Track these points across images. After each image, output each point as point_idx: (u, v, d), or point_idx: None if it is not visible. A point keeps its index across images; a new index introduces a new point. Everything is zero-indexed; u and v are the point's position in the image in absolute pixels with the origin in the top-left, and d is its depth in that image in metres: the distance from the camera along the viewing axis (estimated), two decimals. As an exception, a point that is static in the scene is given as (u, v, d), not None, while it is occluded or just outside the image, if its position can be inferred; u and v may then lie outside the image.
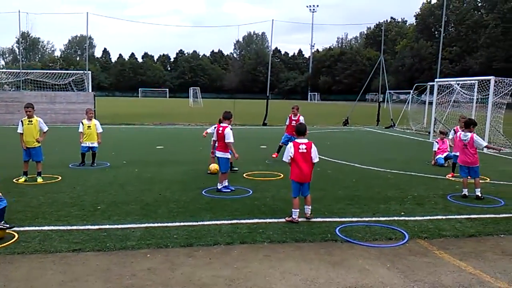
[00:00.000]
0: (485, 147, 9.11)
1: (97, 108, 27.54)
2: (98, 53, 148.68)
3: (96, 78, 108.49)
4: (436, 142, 13.60)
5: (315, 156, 7.01)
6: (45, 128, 10.09)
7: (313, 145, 7.03)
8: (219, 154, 9.22)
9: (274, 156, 13.15)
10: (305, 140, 7.03)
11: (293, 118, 13.13)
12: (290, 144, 7.11)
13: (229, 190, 8.97)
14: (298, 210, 6.95)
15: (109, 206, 7.69)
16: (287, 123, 13.31)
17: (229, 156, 9.18)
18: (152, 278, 4.84)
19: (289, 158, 6.99)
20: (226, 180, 9.14)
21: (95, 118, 12.77)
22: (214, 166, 10.60)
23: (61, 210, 7.42)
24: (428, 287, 4.72)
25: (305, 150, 6.94)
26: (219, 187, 8.98)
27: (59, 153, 14.35)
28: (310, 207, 7.12)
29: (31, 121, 9.87)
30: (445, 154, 13.12)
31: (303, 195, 7.09)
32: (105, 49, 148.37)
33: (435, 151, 13.43)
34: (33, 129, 9.85)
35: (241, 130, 24.49)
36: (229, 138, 9.00)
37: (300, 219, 6.94)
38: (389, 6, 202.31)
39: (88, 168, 11.55)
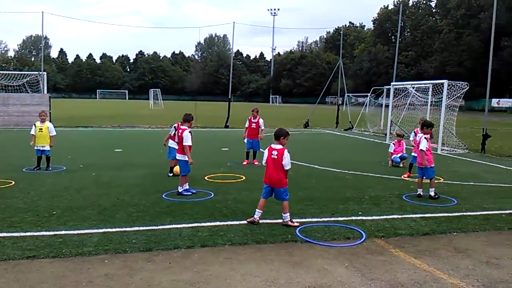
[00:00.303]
0: (420, 150, 9.30)
1: (53, 110, 26.68)
2: (54, 54, 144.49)
3: (52, 79, 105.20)
4: (393, 144, 14.01)
5: (286, 163, 6.91)
6: None
7: (285, 151, 6.94)
8: (178, 156, 9.15)
9: (245, 163, 13.13)
10: (279, 146, 6.99)
11: (252, 120, 13.17)
12: (266, 149, 7.17)
13: (190, 193, 8.90)
14: (261, 211, 6.99)
15: (65, 211, 7.46)
16: (246, 126, 13.32)
17: (186, 159, 9.03)
18: (110, 284, 4.74)
19: (264, 161, 7.12)
20: (187, 183, 9.07)
21: (50, 120, 12.37)
22: (178, 168, 10.44)
23: (14, 216, 7.14)
24: (385, 285, 4.86)
25: (276, 156, 6.93)
26: (179, 190, 8.90)
27: (12, 157, 13.82)
28: (285, 214, 6.94)
29: None
30: (399, 154, 13.55)
31: (277, 200, 7.13)
32: (61, 49, 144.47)
33: (391, 152, 13.84)
34: None
35: (203, 132, 24.37)
36: (187, 141, 8.91)
37: (261, 221, 6.98)
38: (348, 11, 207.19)
39: (42, 172, 11.18)
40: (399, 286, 4.82)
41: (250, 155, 13.29)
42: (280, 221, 7.08)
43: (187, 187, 9.04)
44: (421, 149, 9.18)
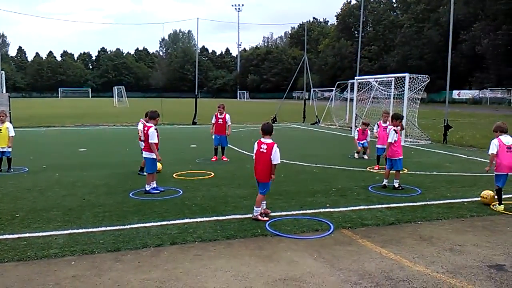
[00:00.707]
0: (388, 142, 9.43)
1: (13, 110, 25.78)
2: (12, 52, 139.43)
3: (11, 78, 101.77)
4: (357, 131, 14.38)
5: (276, 158, 6.81)
6: None
7: (275, 146, 6.87)
8: (145, 154, 9.04)
9: (213, 159, 13.06)
10: (269, 141, 6.92)
11: (219, 116, 13.13)
12: (256, 143, 7.04)
13: (158, 191, 8.80)
14: (260, 208, 6.96)
15: (28, 214, 7.25)
16: (213, 122, 13.27)
17: (155, 157, 8.96)
18: (78, 285, 4.64)
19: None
20: (154, 181, 8.97)
21: (10, 121, 11.95)
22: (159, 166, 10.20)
23: (-26, 220, 6.88)
24: (353, 274, 4.96)
25: (265, 150, 6.86)
26: (147, 189, 8.79)
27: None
28: (257, 208, 6.95)
29: None
30: (363, 141, 13.93)
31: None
32: (20, 47, 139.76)
33: (355, 138, 14.28)
34: None
35: (170, 129, 24.12)
36: (153, 138, 8.80)
37: (231, 216, 6.98)
38: (312, 6, 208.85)
39: (4, 174, 10.80)
40: (367, 275, 4.93)
41: (218, 151, 13.26)
42: (250, 215, 7.11)
43: (155, 185, 8.94)
44: (389, 142, 9.38)
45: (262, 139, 6.99)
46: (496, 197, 7.85)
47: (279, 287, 4.64)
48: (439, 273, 5.03)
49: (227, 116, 13.16)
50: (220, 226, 6.62)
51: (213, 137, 13.22)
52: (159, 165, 9.94)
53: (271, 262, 5.29)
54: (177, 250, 5.67)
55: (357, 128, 14.79)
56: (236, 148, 15.53)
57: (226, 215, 7.17)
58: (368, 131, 14.33)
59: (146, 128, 9.01)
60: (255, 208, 6.98)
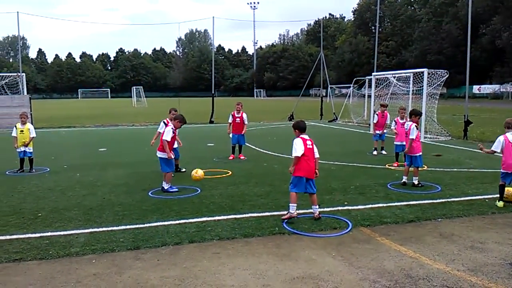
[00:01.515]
0: (410, 138, 9.26)
1: (34, 111, 26.31)
2: (32, 54, 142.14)
3: (31, 80, 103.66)
4: (377, 114, 14.21)
5: (317, 152, 6.96)
6: None
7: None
8: (159, 154, 9.07)
9: (231, 158, 13.12)
10: (308, 137, 6.95)
11: (236, 115, 13.16)
12: (299, 141, 6.83)
13: (176, 190, 8.86)
14: (296, 204, 6.77)
15: (50, 213, 7.39)
16: (230, 121, 13.29)
17: (166, 156, 8.96)
18: (98, 283, 4.72)
19: (301, 153, 6.73)
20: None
21: (32, 122, 12.19)
22: (198, 173, 9.28)
23: (-2, 220, 7.05)
24: (372, 273, 4.93)
25: (311, 146, 6.86)
26: (165, 187, 8.86)
27: (-7, 160, 13.60)
28: (317, 206, 6.91)
29: None
30: (381, 132, 13.86)
31: (309, 192, 6.88)
32: (40, 49, 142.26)
33: (374, 123, 14.11)
34: None
35: (188, 128, 24.27)
36: (166, 136, 8.86)
37: (248, 215, 6.99)
38: (328, 2, 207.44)
39: (26, 175, 11.03)
40: (386, 273, 4.90)
41: (235, 149, 13.30)
42: (267, 214, 7.12)
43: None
44: (411, 138, 9.25)
45: (304, 136, 6.91)
46: None
47: (297, 285, 4.64)
48: (460, 271, 4.96)
49: (244, 115, 13.17)
50: (238, 224, 6.65)
51: (231, 135, 13.26)
52: (200, 173, 9.34)
53: (289, 260, 5.29)
54: (195, 249, 5.71)
55: (376, 112, 14.64)
56: (253, 147, 15.55)
57: (244, 213, 7.19)
58: (388, 114, 14.15)
59: (164, 128, 9.12)
60: (313, 207, 6.85)
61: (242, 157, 13.11)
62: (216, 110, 29.39)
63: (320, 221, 6.77)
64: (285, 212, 6.91)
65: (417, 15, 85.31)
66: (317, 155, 6.95)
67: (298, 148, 6.77)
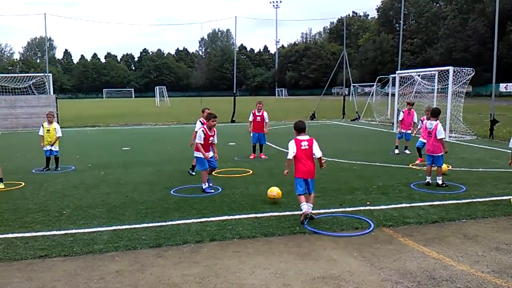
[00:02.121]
0: (440, 139, 9.12)
1: (60, 111, 26.87)
2: (59, 55, 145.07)
3: (58, 80, 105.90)
4: (402, 112, 14.08)
5: (318, 152, 6.79)
6: None
7: (314, 141, 6.86)
8: (195, 153, 9.10)
9: (252, 157, 13.13)
10: (307, 137, 6.87)
11: (257, 114, 13.15)
12: (293, 143, 6.81)
13: (212, 191, 8.75)
14: (305, 203, 6.70)
15: (75, 211, 7.54)
16: (250, 119, 13.28)
17: (201, 155, 8.98)
18: (121, 280, 4.80)
19: (293, 155, 6.73)
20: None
21: (58, 121, 12.45)
22: (275, 192, 8.01)
23: (25, 216, 7.23)
24: (394, 274, 4.87)
25: (307, 147, 6.78)
26: (203, 187, 8.83)
27: (21, 158, 13.96)
28: (312, 205, 6.82)
29: None
30: (406, 131, 13.75)
31: (309, 192, 6.84)
32: (66, 50, 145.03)
33: (400, 120, 14.05)
34: None
35: (209, 128, 24.34)
36: (198, 139, 8.90)
37: (269, 214, 6.98)
38: (352, 0, 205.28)
39: (52, 173, 11.28)
40: (408, 274, 4.83)
41: (256, 148, 13.31)
42: (288, 213, 7.11)
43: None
44: (440, 138, 9.08)
45: (299, 137, 6.84)
46: None
47: (317, 285, 4.62)
48: (484, 272, 4.86)
49: (265, 114, 13.16)
50: (259, 223, 6.65)
51: (251, 134, 13.28)
52: (274, 192, 8.27)
53: (309, 260, 5.26)
54: (216, 247, 5.74)
55: (402, 110, 14.47)
56: (274, 146, 15.53)
57: (264, 213, 7.20)
58: (414, 112, 13.97)
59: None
60: (308, 204, 6.75)
61: (263, 157, 13.10)
62: (237, 110, 29.46)
63: (341, 221, 6.72)
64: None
65: (443, 12, 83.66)
66: (318, 154, 6.77)
67: (289, 150, 6.80)
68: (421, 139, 11.74)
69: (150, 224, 6.70)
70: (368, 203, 7.76)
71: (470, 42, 70.16)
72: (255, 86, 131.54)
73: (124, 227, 6.61)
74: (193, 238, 6.06)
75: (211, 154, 9.03)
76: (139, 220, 6.92)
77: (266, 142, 13.66)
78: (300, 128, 6.93)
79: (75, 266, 5.19)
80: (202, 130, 8.98)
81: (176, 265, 5.17)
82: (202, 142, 8.89)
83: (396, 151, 13.69)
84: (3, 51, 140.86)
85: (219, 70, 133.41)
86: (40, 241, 6.02)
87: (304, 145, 6.76)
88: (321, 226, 6.50)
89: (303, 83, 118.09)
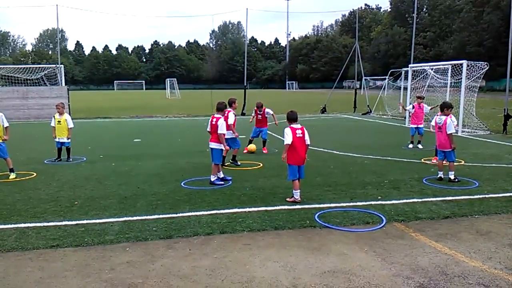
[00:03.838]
0: (448, 135, 9.01)
1: (72, 102, 27.04)
2: (70, 46, 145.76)
3: (69, 71, 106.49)
4: (413, 105, 14.13)
5: (308, 138, 7.43)
6: (6, 124, 9.73)
7: (305, 128, 7.45)
8: (212, 145, 8.97)
9: (245, 151, 13.08)
10: (299, 125, 7.40)
11: (258, 112, 13.17)
12: (289, 130, 7.31)
13: (222, 183, 8.80)
14: (299, 190, 7.40)
15: (86, 201, 7.60)
16: (253, 115, 13.36)
17: (223, 148, 8.98)
18: (132, 271, 4.82)
19: (291, 140, 7.24)
20: (221, 172, 9.10)
21: (69, 112, 12.51)
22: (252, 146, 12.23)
23: (37, 206, 7.30)
24: (405, 269, 4.83)
25: (301, 135, 7.32)
26: (212, 179, 8.84)
27: (33, 149, 14.08)
28: (299, 191, 7.43)
29: None
30: (418, 126, 13.64)
31: (300, 177, 7.45)
32: (78, 42, 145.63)
33: (411, 113, 14.22)
34: None
35: (219, 120, 24.33)
36: (222, 129, 8.83)
37: (279, 207, 6.98)
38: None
39: (63, 164, 11.37)
40: (420, 270, 4.78)
41: (257, 143, 13.27)
42: (298, 207, 7.09)
43: (222, 175, 9.07)
44: (450, 133, 8.97)
45: (293, 126, 7.38)
46: None
47: (328, 279, 4.60)
48: (497, 269, 4.80)
49: (267, 109, 13.11)
50: (269, 217, 6.64)
51: (253, 128, 13.26)
52: (252, 146, 12.53)
53: (320, 254, 5.24)
54: (226, 239, 5.74)
55: (413, 103, 14.48)
56: (283, 139, 15.43)
57: (275, 206, 7.18)
58: (424, 105, 13.97)
59: (214, 120, 9.00)
60: (296, 191, 7.42)
61: (265, 151, 13.07)
62: (248, 102, 29.40)
63: (352, 215, 6.69)
64: (315, 206, 7.05)
65: (457, 5, 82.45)
66: (308, 142, 7.41)
67: (287, 137, 7.29)
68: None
69: (161, 216, 6.73)
70: (379, 197, 7.70)
71: (485, 35, 69.09)
72: (266, 79, 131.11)
73: (135, 218, 6.64)
74: (204, 230, 6.06)
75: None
76: (150, 212, 6.95)
77: (276, 135, 13.58)
78: (292, 118, 7.52)
79: (86, 256, 5.23)
80: (223, 122, 8.92)
81: (186, 257, 5.18)
82: (225, 132, 9.07)
83: (410, 145, 13.59)
84: (15, 42, 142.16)
85: (230, 63, 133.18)
86: (52, 231, 6.07)
87: (299, 133, 7.37)
88: (332, 220, 6.46)
89: (314, 76, 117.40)
